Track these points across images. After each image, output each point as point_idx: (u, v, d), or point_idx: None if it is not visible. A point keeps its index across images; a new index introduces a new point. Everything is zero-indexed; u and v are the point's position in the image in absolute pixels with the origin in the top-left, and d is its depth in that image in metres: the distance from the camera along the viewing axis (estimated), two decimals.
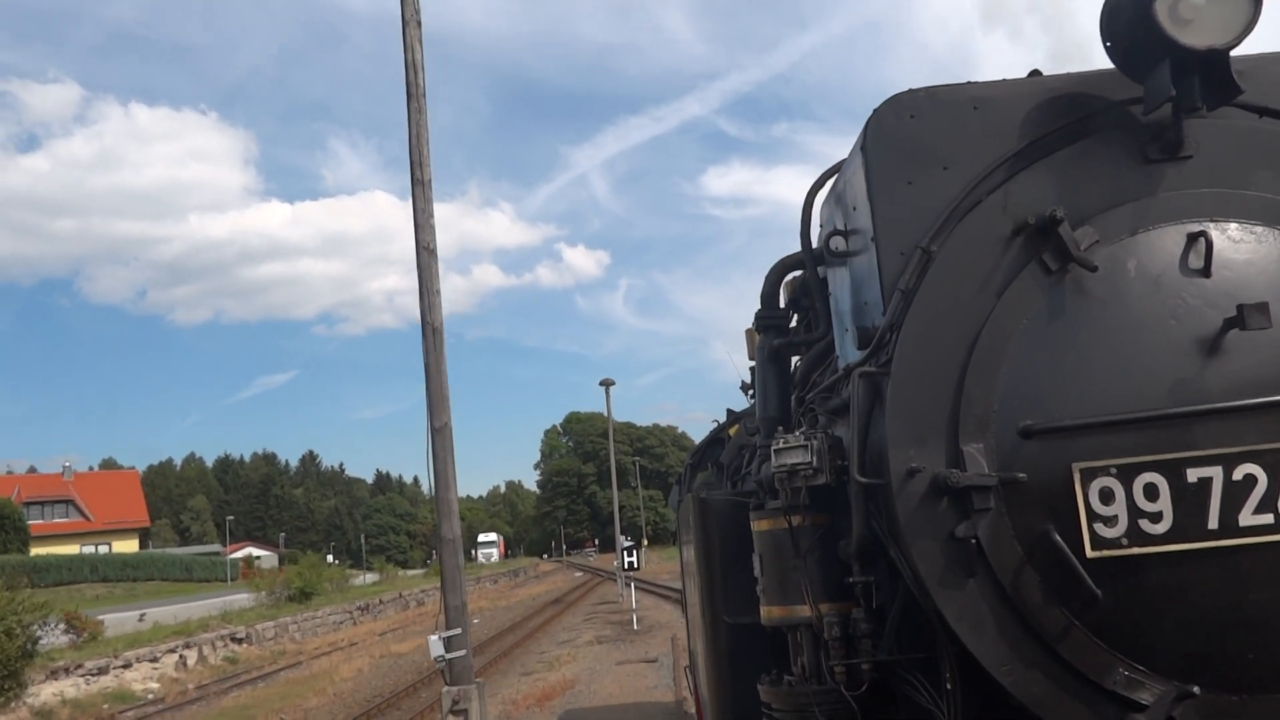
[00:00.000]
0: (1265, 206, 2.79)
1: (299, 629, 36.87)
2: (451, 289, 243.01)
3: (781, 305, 4.27)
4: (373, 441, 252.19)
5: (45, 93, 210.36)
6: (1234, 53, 2.72)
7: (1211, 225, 2.75)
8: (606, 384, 31.78)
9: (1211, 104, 2.78)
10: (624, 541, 29.07)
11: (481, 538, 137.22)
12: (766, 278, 4.16)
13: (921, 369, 2.80)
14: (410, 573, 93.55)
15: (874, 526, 2.92)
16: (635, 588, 40.30)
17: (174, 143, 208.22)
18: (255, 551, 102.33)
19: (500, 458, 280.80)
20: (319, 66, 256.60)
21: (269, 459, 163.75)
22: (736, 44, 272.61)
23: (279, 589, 45.17)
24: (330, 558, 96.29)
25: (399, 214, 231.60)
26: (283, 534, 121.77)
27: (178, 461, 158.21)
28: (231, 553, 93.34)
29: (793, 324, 4.43)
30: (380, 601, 46.65)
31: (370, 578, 71.50)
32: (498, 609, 45.00)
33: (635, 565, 27.78)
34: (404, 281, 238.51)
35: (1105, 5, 2.84)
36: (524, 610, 42.09)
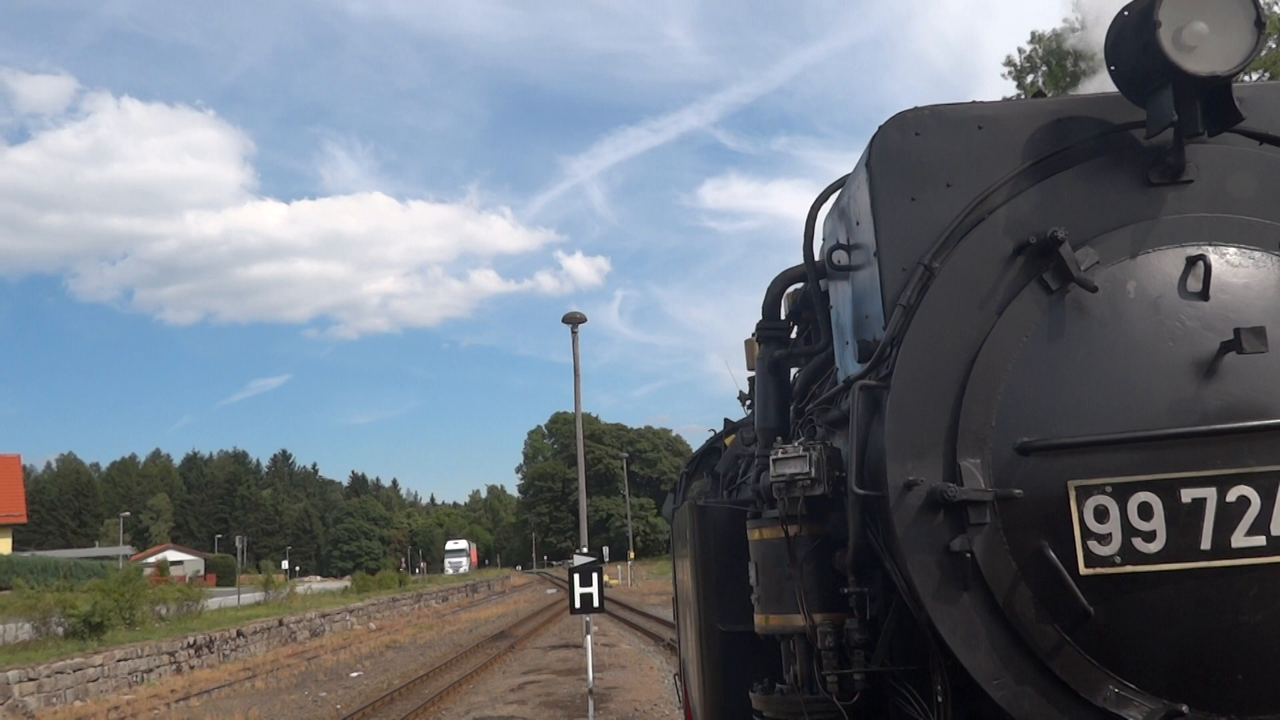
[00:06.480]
0: (1264, 232, 2.83)
1: (42, 692, 21.07)
2: (448, 294, 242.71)
3: (783, 317, 4.30)
4: (355, 446, 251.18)
5: (37, 83, 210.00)
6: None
7: (1210, 249, 2.79)
8: (574, 319, 20.94)
9: (1213, 130, 2.82)
10: (581, 555, 16.28)
11: (450, 545, 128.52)
12: (769, 289, 4.20)
13: (921, 383, 2.83)
14: (317, 585, 72.16)
15: (870, 538, 2.94)
16: (606, 630, 29.48)
17: (169, 137, 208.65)
18: (175, 556, 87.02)
19: (486, 463, 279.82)
20: (317, 70, 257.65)
21: (238, 457, 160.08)
22: (737, 56, 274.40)
23: (53, 617, 27.98)
24: (285, 564, 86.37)
25: (398, 216, 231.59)
26: (219, 536, 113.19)
27: (141, 458, 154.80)
28: (146, 556, 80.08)
29: (793, 336, 4.46)
30: (237, 634, 30.98)
31: (250, 597, 50.23)
32: (415, 646, 33.02)
33: (596, 602, 15.51)
34: (400, 285, 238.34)
35: (1110, 31, 2.89)
36: (445, 652, 30.15)
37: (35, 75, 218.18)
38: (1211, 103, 2.78)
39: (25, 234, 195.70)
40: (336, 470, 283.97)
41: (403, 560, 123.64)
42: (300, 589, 59.68)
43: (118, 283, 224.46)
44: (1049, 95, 3.28)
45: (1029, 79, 25.84)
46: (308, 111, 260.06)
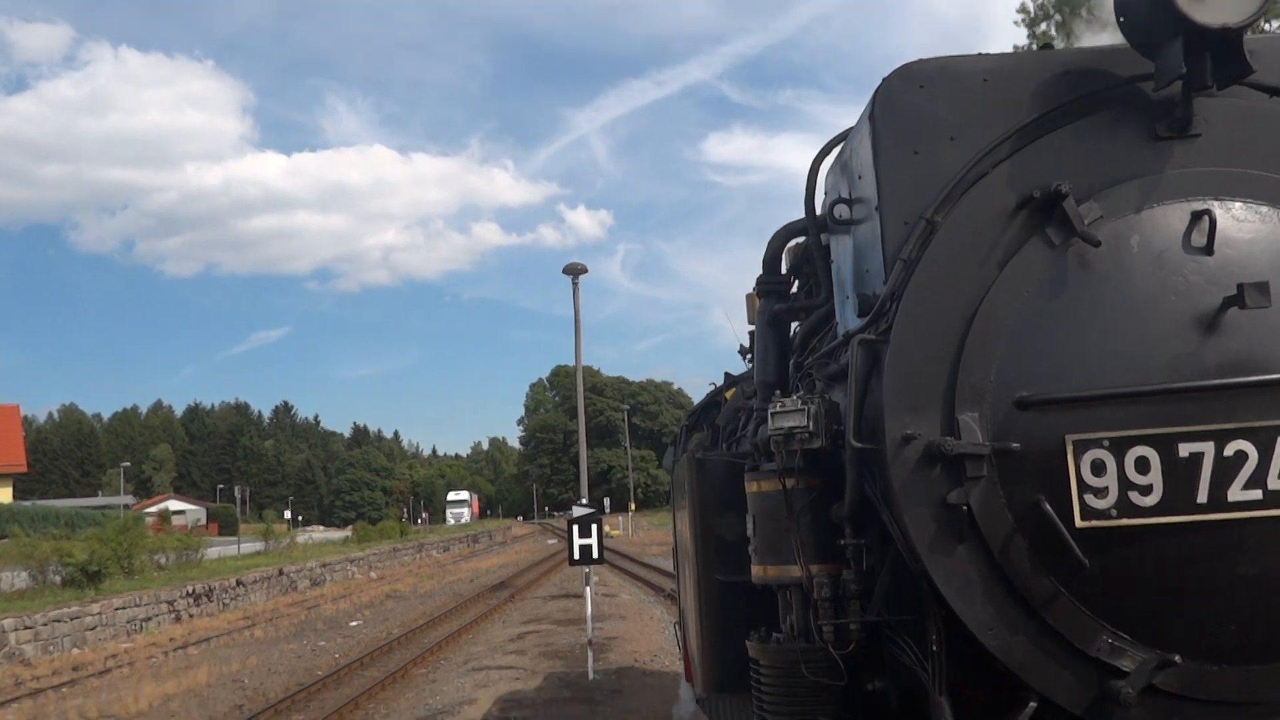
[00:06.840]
0: (1271, 186, 2.81)
1: (39, 640, 21.19)
2: (450, 246, 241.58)
3: (784, 271, 4.29)
4: (356, 398, 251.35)
5: (33, 32, 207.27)
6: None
7: (1216, 204, 2.76)
8: (575, 270, 20.13)
9: (1222, 83, 2.79)
10: (581, 506, 16.00)
11: (452, 495, 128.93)
12: (770, 243, 4.18)
13: (920, 337, 2.83)
14: (319, 535, 72.93)
15: (867, 491, 2.96)
16: (606, 581, 29.00)
17: (168, 88, 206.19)
18: (177, 505, 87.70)
19: (488, 415, 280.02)
20: (318, 20, 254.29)
21: (240, 409, 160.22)
22: (743, 8, 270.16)
23: (51, 566, 27.89)
24: (287, 514, 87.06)
25: (399, 168, 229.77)
26: (220, 486, 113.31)
27: (143, 409, 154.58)
28: (147, 506, 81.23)
29: (794, 290, 4.45)
30: (237, 584, 30.97)
31: (250, 546, 50.66)
32: (415, 595, 32.95)
33: (595, 554, 15.47)
34: (402, 237, 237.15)
35: None
36: (445, 600, 30.27)
37: (32, 23, 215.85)
38: (1221, 55, 2.74)
39: (25, 184, 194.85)
40: (338, 422, 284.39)
41: (405, 511, 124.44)
42: (301, 539, 59.82)
43: (118, 234, 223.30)
44: (1057, 47, 3.23)
45: (1040, 27, 25.48)
46: (308, 63, 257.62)
